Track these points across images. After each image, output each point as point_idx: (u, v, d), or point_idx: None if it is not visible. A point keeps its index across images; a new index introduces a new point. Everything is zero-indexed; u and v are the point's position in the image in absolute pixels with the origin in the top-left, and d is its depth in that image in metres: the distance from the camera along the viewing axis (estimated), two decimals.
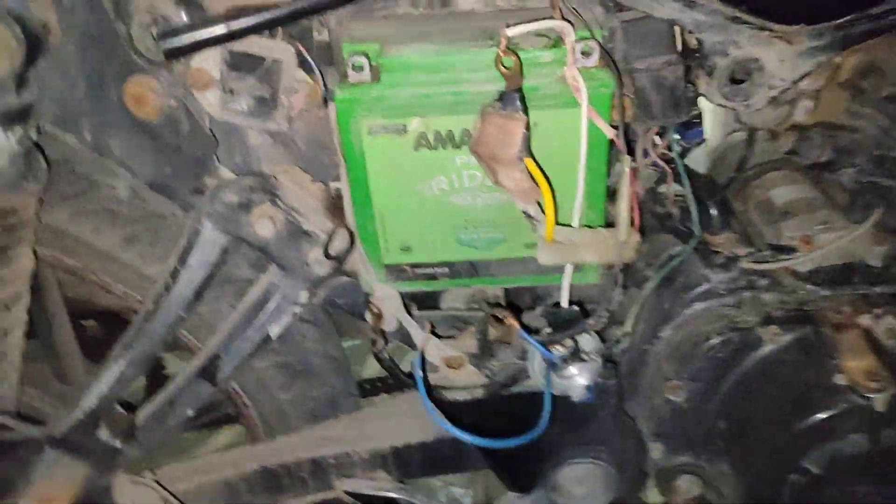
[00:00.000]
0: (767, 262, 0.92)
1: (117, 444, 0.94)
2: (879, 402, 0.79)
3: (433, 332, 0.88)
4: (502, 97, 0.67)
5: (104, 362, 0.91)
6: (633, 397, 1.03)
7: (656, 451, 1.01)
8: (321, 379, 1.21)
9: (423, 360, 0.81)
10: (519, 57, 0.66)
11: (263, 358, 1.13)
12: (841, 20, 0.68)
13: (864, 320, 0.86)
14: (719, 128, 1.26)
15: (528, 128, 0.66)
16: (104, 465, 0.99)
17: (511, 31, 0.66)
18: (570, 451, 0.95)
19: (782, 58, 0.71)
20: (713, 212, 0.95)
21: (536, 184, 0.67)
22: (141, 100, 0.80)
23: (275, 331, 0.90)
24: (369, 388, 1.63)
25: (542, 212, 0.70)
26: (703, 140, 0.95)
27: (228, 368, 0.92)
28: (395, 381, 1.65)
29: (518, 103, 0.66)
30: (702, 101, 0.88)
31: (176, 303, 0.86)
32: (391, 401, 1.18)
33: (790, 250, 0.93)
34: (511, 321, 0.76)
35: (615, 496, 1.02)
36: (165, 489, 1.00)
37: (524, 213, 0.70)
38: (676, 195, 0.95)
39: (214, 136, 0.86)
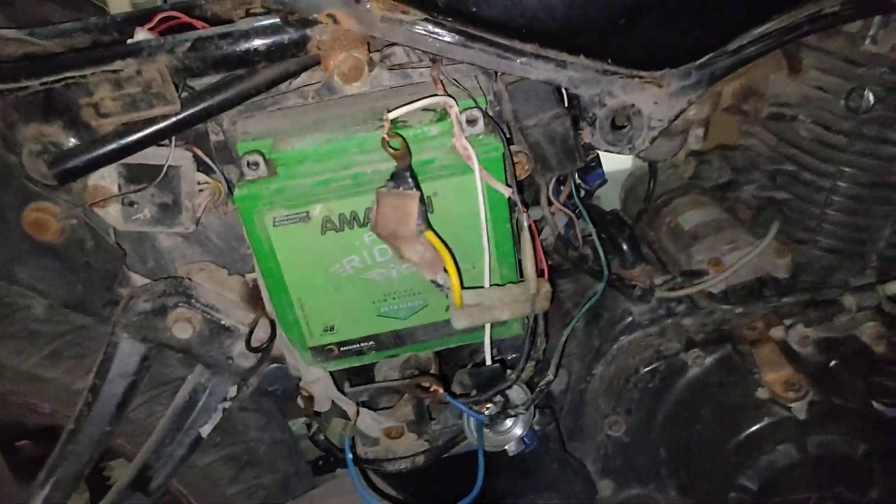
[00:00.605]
0: (682, 287, 0.96)
1: None
2: (800, 410, 0.83)
3: (368, 406, 0.88)
4: (394, 176, 0.69)
5: (32, 486, 0.88)
6: (578, 438, 1.04)
7: (606, 488, 1.03)
8: (270, 465, 1.20)
9: (352, 440, 0.81)
10: (403, 137, 0.68)
11: (207, 454, 1.11)
12: (701, 60, 0.73)
13: (777, 332, 0.90)
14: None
15: (422, 201, 0.68)
16: None
17: (393, 114, 0.68)
18: (521, 499, 0.96)
19: (656, 100, 0.75)
20: (624, 247, 0.99)
21: (439, 254, 0.69)
22: (41, 225, 0.80)
23: (206, 430, 0.89)
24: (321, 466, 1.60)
25: (451, 279, 0.72)
26: (605, 181, 0.99)
27: (162, 476, 0.90)
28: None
29: (410, 180, 0.68)
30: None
31: (99, 419, 0.85)
32: (338, 480, 1.17)
33: (702, 274, 0.97)
34: (436, 388, 0.77)
35: None
36: None
37: (433, 282, 0.71)
38: (587, 236, 0.99)
39: (121, 247, 0.85)
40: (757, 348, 0.89)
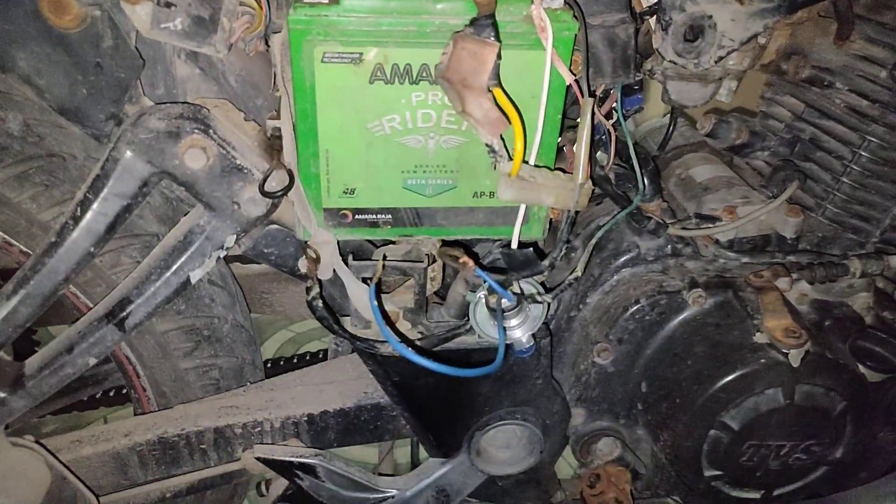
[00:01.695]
0: (695, 228, 0.96)
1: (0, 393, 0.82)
2: (795, 357, 0.84)
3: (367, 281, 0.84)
4: (474, 23, 0.65)
5: None
6: (557, 364, 1.03)
7: (578, 416, 1.03)
8: (228, 348, 1.13)
9: (377, 289, 0.77)
10: None
11: (167, 320, 1.04)
12: None
13: (782, 283, 0.91)
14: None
15: (499, 56, 0.64)
16: None
17: None
18: (499, 410, 0.94)
19: (734, 17, 0.74)
20: (646, 181, 0.98)
21: (505, 115, 0.65)
22: (61, 5, 0.71)
23: (195, 276, 0.82)
24: (270, 369, 1.55)
25: (505, 147, 0.68)
26: (641, 108, 0.97)
27: (140, 314, 0.83)
28: (295, 362, 1.59)
29: (491, 30, 0.64)
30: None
31: (84, 235, 0.77)
32: (304, 371, 1.12)
33: (714, 220, 0.97)
34: (465, 258, 0.74)
35: (536, 462, 1.01)
36: (52, 454, 0.89)
37: (487, 146, 0.68)
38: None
39: (141, 56, 0.78)
40: (761, 295, 0.90)
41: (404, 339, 0.85)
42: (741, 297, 0.93)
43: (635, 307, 0.94)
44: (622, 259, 0.98)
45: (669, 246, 0.98)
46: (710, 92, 0.98)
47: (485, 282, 0.73)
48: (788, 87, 1.03)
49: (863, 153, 0.95)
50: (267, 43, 0.84)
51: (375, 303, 0.73)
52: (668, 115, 1.19)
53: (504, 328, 0.76)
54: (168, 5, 0.72)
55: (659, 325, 0.95)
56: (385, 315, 0.81)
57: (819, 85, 0.98)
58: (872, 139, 0.94)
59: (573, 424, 1.03)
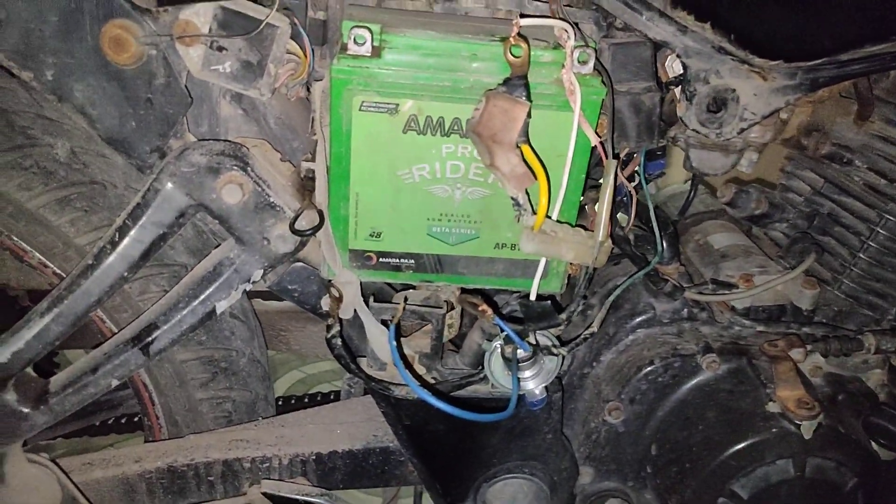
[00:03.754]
0: (711, 294, 0.97)
1: (24, 408, 0.84)
2: (808, 428, 0.84)
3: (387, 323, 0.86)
4: (507, 82, 0.68)
5: (25, 318, 0.83)
6: (567, 421, 1.04)
7: (586, 475, 1.02)
8: (243, 381, 1.15)
9: (398, 330, 0.78)
10: (528, 46, 0.68)
11: (187, 349, 1.06)
12: (812, 63, 0.75)
13: (797, 354, 0.92)
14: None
15: (529, 115, 0.68)
16: (3, 430, 0.88)
17: (523, 22, 0.68)
18: (508, 463, 0.94)
19: (756, 92, 0.77)
20: (665, 244, 1.00)
21: (531, 171, 0.68)
22: (120, 43, 0.76)
23: (221, 306, 0.85)
24: (281, 407, 1.56)
25: (530, 201, 0.71)
26: (664, 173, 1.00)
27: (165, 340, 0.85)
28: (305, 402, 1.59)
29: (523, 90, 0.67)
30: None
31: (119, 260, 0.80)
32: (315, 410, 1.13)
33: (731, 286, 0.98)
34: (485, 307, 0.76)
35: None
36: (65, 473, 0.90)
37: (513, 199, 0.71)
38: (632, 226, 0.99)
39: (190, 94, 0.82)
40: (775, 364, 0.90)
41: (420, 382, 0.86)
42: (755, 365, 0.93)
43: (649, 368, 0.95)
44: (638, 319, 0.99)
45: (685, 310, 0.99)
46: (731, 162, 1.01)
47: (502, 331, 0.75)
48: (809, 161, 1.06)
49: (880, 231, 0.96)
50: (308, 89, 0.88)
51: (395, 343, 0.75)
52: (690, 181, 1.21)
53: (518, 378, 0.77)
54: (220, 49, 0.77)
55: (672, 388, 0.95)
56: (403, 355, 0.83)
57: (839, 162, 1.00)
58: (890, 217, 0.95)
59: (581, 483, 1.02)
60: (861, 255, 0.99)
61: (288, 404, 1.55)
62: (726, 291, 0.98)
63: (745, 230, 1.19)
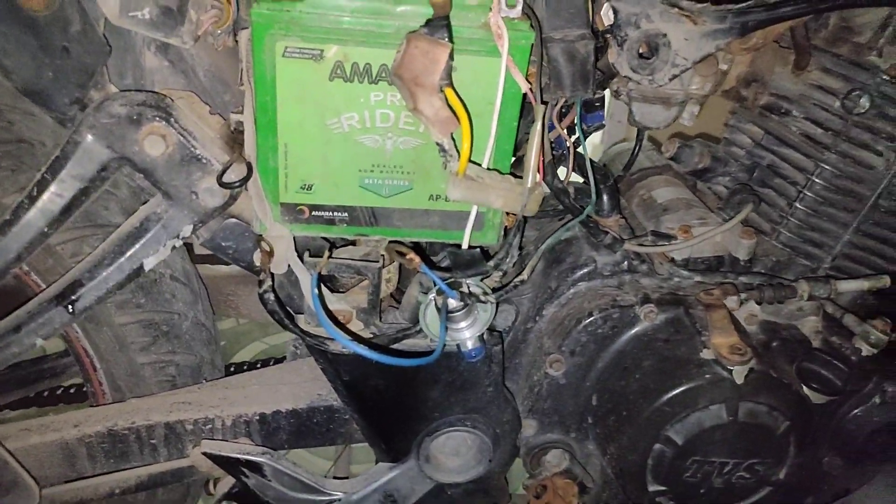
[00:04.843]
0: (650, 245, 0.98)
1: None
2: (739, 373, 0.85)
3: (323, 282, 0.85)
4: (429, 23, 0.67)
5: None
6: (512, 376, 1.04)
7: (529, 427, 1.03)
8: (187, 345, 1.13)
9: (319, 280, 0.78)
10: None
11: (126, 312, 1.04)
12: (740, 5, 0.75)
13: (731, 302, 0.93)
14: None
15: (451, 56, 0.66)
16: None
17: None
18: (449, 416, 0.94)
19: (687, 36, 0.76)
20: (605, 196, 1.00)
21: (455, 114, 0.67)
22: None
23: (149, 263, 0.83)
24: (233, 372, 1.54)
25: (456, 146, 0.70)
26: (603, 125, 0.99)
27: (91, 298, 0.83)
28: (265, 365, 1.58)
29: (445, 31, 0.66)
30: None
31: (38, 215, 0.78)
32: (260, 371, 1.12)
33: (671, 238, 0.99)
34: (413, 255, 0.75)
35: (485, 471, 1.02)
36: None
37: (438, 144, 0.70)
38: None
39: (109, 43, 0.79)
40: (710, 312, 0.91)
41: (354, 336, 0.85)
42: (691, 314, 0.94)
43: (588, 319, 0.95)
44: (579, 273, 0.99)
45: (626, 262, 0.99)
46: (672, 115, 1.01)
47: (433, 281, 0.74)
48: (750, 114, 1.06)
49: (816, 180, 0.97)
50: (236, 39, 0.86)
51: (316, 291, 0.74)
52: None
53: (446, 326, 0.77)
54: None
55: (611, 339, 0.96)
56: (330, 314, 0.82)
57: (777, 112, 1.00)
58: (826, 166, 0.96)
59: (524, 435, 1.03)
60: (798, 205, 1.00)
61: (240, 369, 1.53)
62: (665, 243, 0.98)
63: (690, 185, 1.19)
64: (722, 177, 1.13)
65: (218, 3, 0.78)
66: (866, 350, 0.95)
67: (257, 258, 0.83)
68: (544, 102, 0.78)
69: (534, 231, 1.10)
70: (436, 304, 0.79)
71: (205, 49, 0.86)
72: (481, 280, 0.81)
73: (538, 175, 0.76)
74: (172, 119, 0.78)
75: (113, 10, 0.75)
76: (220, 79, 0.89)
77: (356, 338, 0.84)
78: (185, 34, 0.77)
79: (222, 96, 0.90)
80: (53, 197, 0.77)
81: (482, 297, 0.78)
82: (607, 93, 0.98)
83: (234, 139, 0.84)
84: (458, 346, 0.83)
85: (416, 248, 0.84)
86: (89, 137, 0.76)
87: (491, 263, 0.78)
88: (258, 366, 1.55)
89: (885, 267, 1.03)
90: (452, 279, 0.76)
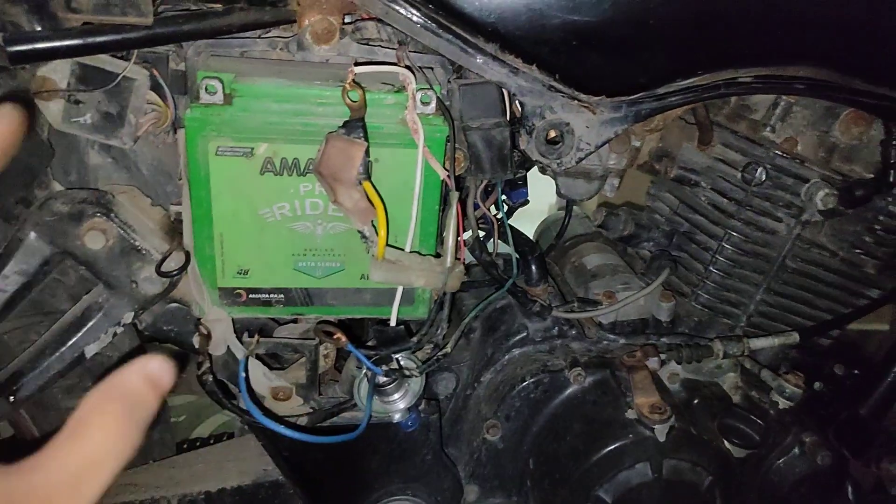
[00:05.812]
0: (576, 312, 1.04)
1: None
2: (661, 432, 0.90)
3: (261, 361, 0.89)
4: (346, 125, 0.73)
5: None
6: (454, 444, 1.08)
7: (471, 493, 1.06)
8: None
9: (246, 363, 0.82)
10: (364, 91, 0.73)
11: (73, 397, 1.06)
12: (632, 97, 0.83)
13: (653, 363, 0.99)
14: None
15: (367, 153, 0.73)
16: None
17: (358, 70, 0.73)
18: (390, 486, 0.97)
19: (588, 124, 0.84)
20: (533, 267, 1.07)
21: (372, 205, 0.73)
22: None
23: (90, 350, 0.86)
24: (185, 449, 1.55)
25: (377, 232, 0.76)
26: (527, 201, 1.06)
27: (31, 387, 0.86)
28: (219, 441, 1.59)
29: (360, 131, 0.72)
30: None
31: None
32: (207, 449, 1.14)
33: (596, 303, 1.05)
34: (340, 335, 0.79)
35: None
36: None
37: (359, 232, 0.75)
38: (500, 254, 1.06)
39: (52, 146, 0.84)
40: (632, 374, 0.97)
41: (291, 415, 0.89)
42: (617, 376, 0.99)
43: (521, 385, 1.00)
44: (513, 340, 1.05)
45: (556, 328, 1.05)
46: (594, 188, 1.08)
47: (358, 359, 0.79)
48: (667, 184, 1.14)
49: (726, 245, 1.05)
50: (175, 137, 0.91)
51: (244, 374, 0.78)
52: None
53: (372, 397, 0.81)
54: (78, 102, 0.80)
55: (543, 403, 1.01)
56: (250, 387, 0.85)
57: (687, 183, 1.08)
58: (733, 233, 1.04)
59: (467, 501, 1.06)
60: (712, 269, 1.07)
61: (192, 446, 1.53)
62: (591, 308, 1.04)
63: (620, 250, 1.27)
64: (646, 242, 1.21)
65: (157, 107, 0.84)
66: (783, 403, 1.01)
67: (196, 341, 0.87)
68: (464, 186, 0.85)
69: (473, 299, 1.16)
70: (367, 378, 0.84)
71: (146, 144, 0.91)
72: (412, 353, 0.85)
73: (459, 254, 0.82)
74: (112, 214, 0.83)
75: (56, 118, 0.80)
76: (162, 171, 0.94)
77: (285, 415, 0.87)
78: (125, 136, 0.83)
79: (164, 187, 0.95)
80: None
81: (407, 372, 0.82)
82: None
83: (174, 229, 0.89)
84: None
85: (345, 326, 0.89)
86: (32, 235, 0.81)
87: (414, 339, 0.83)
88: (211, 441, 1.55)
89: (800, 322, 1.10)
90: (378, 356, 0.80)
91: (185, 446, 1.53)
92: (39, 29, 0.76)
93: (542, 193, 1.32)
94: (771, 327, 1.10)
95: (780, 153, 0.99)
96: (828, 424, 1.06)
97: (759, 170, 0.99)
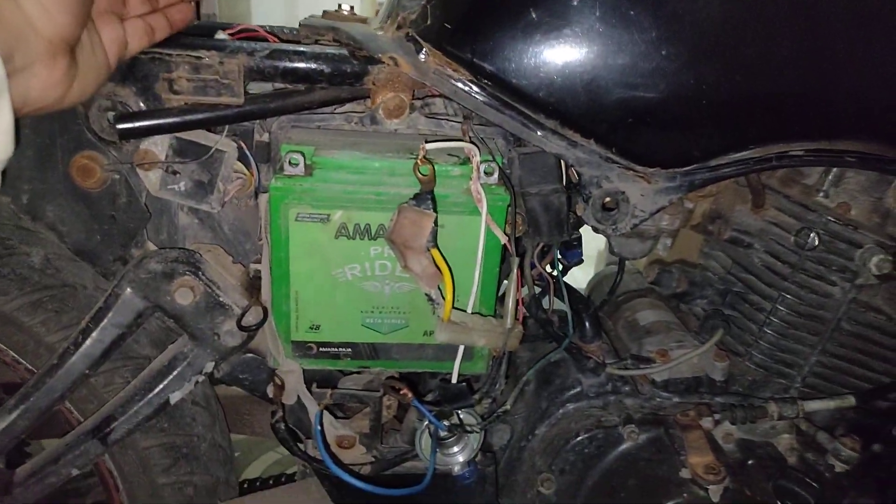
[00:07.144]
0: (630, 369, 1.06)
1: None
2: (715, 493, 0.92)
3: (328, 410, 0.95)
4: (416, 197, 0.79)
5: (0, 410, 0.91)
6: (509, 494, 1.11)
7: None
8: (204, 466, 1.21)
9: (321, 416, 0.87)
10: (433, 165, 0.79)
11: (150, 437, 1.14)
12: (686, 168, 0.87)
13: (707, 423, 1.00)
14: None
15: (436, 223, 0.78)
16: None
17: (429, 146, 0.80)
18: None
19: (643, 193, 0.88)
20: (587, 324, 1.10)
21: (440, 270, 0.78)
22: (87, 171, 0.88)
23: (175, 397, 0.94)
24: (247, 489, 1.61)
25: (443, 296, 0.81)
26: (581, 261, 1.11)
27: (122, 430, 0.93)
28: (277, 482, 1.65)
29: (429, 203, 0.78)
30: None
31: (80, 360, 0.89)
32: (272, 491, 1.20)
33: (650, 361, 1.08)
34: (406, 391, 0.84)
35: None
36: None
37: (427, 295, 0.81)
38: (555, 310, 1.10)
39: (149, 210, 0.93)
40: (686, 433, 0.99)
41: (354, 463, 0.94)
42: (671, 434, 1.01)
43: (575, 440, 1.03)
44: (567, 394, 1.08)
45: (610, 384, 1.08)
46: (648, 247, 1.12)
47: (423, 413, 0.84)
48: (721, 244, 1.17)
49: (780, 307, 1.06)
50: (257, 201, 0.99)
51: (319, 427, 0.84)
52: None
53: (438, 453, 0.85)
54: (174, 172, 0.88)
55: (597, 458, 1.03)
56: (325, 439, 0.91)
57: (740, 245, 1.11)
58: (787, 295, 1.06)
59: None
60: (766, 329, 1.08)
61: (253, 486, 1.60)
62: (645, 366, 1.07)
63: (673, 306, 1.29)
64: (700, 299, 1.23)
65: (242, 175, 0.92)
66: (839, 466, 1.01)
67: (270, 391, 0.93)
68: (519, 254, 0.90)
69: (527, 352, 1.19)
70: (429, 431, 0.88)
71: (230, 207, 1.00)
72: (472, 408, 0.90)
73: (518, 314, 0.86)
74: (200, 272, 0.90)
75: (154, 185, 0.89)
76: (243, 231, 1.03)
77: (354, 466, 0.92)
78: (214, 201, 0.91)
79: (244, 246, 1.03)
80: (95, 343, 0.89)
81: (468, 427, 0.87)
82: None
83: (253, 285, 0.96)
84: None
85: (409, 382, 0.94)
86: (128, 290, 0.89)
87: (476, 396, 0.87)
88: (270, 482, 1.61)
89: (857, 384, 1.10)
90: (439, 410, 0.85)
91: (247, 486, 1.60)
92: (144, 108, 0.85)
93: (590, 237, 1.36)
94: (827, 388, 1.10)
95: (833, 219, 1.00)
96: (887, 487, 1.05)
97: (812, 235, 1.01)
